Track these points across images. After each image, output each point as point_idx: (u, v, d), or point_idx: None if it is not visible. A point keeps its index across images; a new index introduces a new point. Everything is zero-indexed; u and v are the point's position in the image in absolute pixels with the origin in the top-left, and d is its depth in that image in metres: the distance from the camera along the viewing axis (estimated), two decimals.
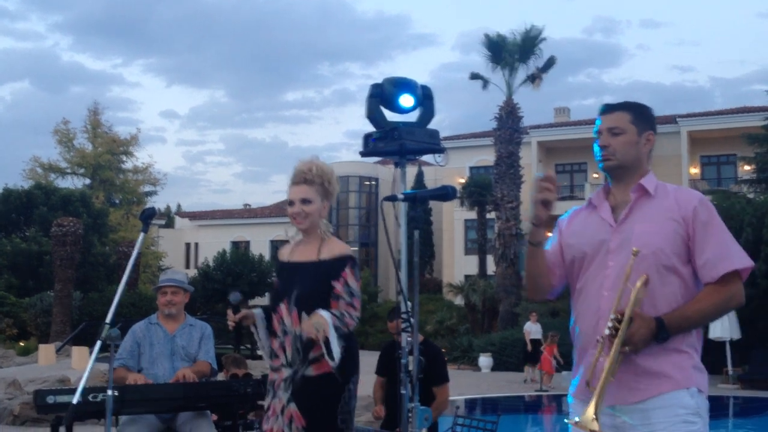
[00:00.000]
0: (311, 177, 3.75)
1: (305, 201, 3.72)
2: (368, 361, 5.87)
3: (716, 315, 2.69)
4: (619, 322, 2.53)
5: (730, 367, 17.64)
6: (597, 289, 2.70)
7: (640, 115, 2.80)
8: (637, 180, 2.76)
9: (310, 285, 3.65)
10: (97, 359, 3.88)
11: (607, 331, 2.55)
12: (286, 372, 3.65)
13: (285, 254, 3.89)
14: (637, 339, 2.53)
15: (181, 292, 5.17)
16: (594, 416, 2.47)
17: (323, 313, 3.48)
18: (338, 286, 3.60)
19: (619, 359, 2.54)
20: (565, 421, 2.70)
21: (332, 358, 3.45)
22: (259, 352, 3.98)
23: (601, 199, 2.84)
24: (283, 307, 3.70)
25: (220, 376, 6.41)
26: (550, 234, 2.92)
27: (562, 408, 15.91)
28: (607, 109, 2.83)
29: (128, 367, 4.94)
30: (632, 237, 2.65)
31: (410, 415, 3.10)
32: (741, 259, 2.63)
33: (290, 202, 3.78)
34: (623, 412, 2.61)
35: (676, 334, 2.59)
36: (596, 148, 2.82)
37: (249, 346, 23.18)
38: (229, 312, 3.81)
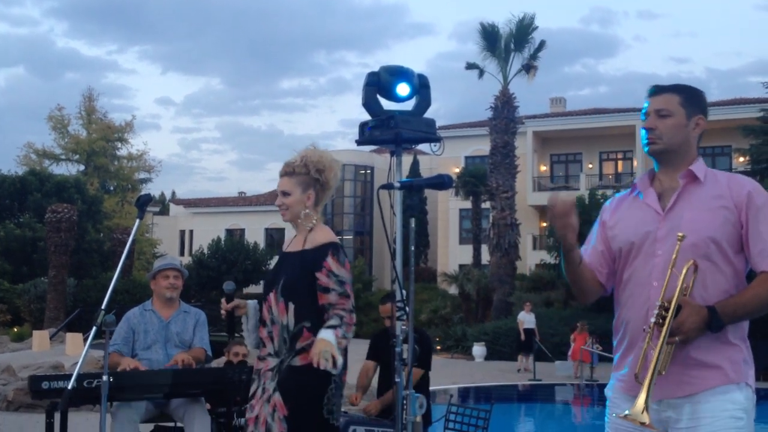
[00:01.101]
0: (291, 168, 3.74)
1: (285, 193, 3.74)
2: (362, 349, 5.88)
3: None
4: (666, 310, 2.44)
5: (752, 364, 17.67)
6: (645, 279, 2.59)
7: (690, 97, 2.68)
8: (684, 165, 2.65)
9: (292, 275, 3.66)
10: (92, 345, 3.89)
11: (653, 320, 2.45)
12: (272, 361, 3.65)
13: (284, 245, 3.93)
14: (687, 328, 2.42)
15: (181, 277, 5.20)
16: (644, 408, 2.38)
17: (326, 336, 3.43)
18: (323, 278, 3.57)
19: (668, 350, 2.44)
20: (614, 416, 2.60)
21: (335, 367, 3.44)
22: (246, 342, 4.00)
23: (646, 184, 2.72)
24: (272, 296, 3.71)
25: (223, 359, 6.45)
26: (577, 238, 2.76)
27: (555, 397, 16.00)
28: (656, 90, 2.71)
29: (122, 353, 4.95)
30: (681, 225, 2.54)
31: (405, 402, 3.12)
32: None
33: (277, 195, 3.84)
34: (669, 407, 2.52)
35: (731, 322, 2.50)
36: (642, 131, 2.70)
37: (242, 334, 23.21)
38: (223, 301, 3.83)
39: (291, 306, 3.61)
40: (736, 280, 2.56)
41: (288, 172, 3.75)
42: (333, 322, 3.50)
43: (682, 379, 2.50)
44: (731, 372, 2.52)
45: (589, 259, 2.78)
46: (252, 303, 3.83)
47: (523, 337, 18.88)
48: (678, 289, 2.45)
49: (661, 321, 2.43)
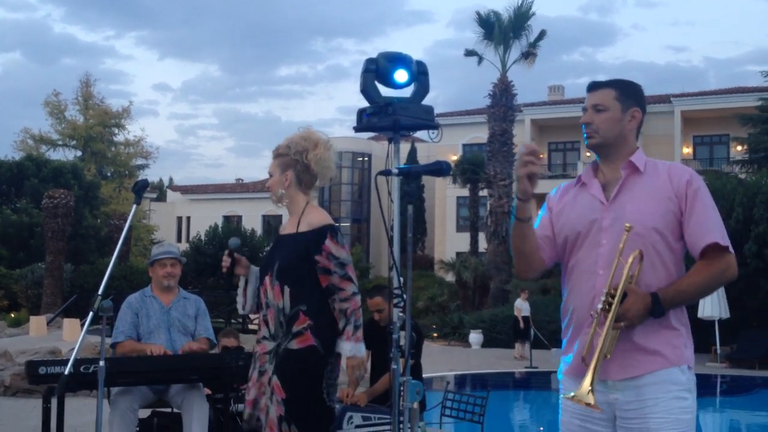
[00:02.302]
0: (278, 151, 3.82)
1: (270, 175, 3.85)
2: None
3: (710, 288, 2.70)
4: (613, 297, 2.55)
5: (718, 346, 17.79)
6: (591, 267, 2.69)
7: (625, 91, 2.78)
8: (625, 157, 2.75)
9: (287, 258, 3.67)
10: (89, 331, 3.90)
11: (599, 306, 2.57)
12: (268, 345, 3.66)
13: (282, 229, 3.95)
14: (632, 314, 2.54)
15: (178, 265, 5.20)
16: (590, 390, 2.49)
17: (350, 353, 3.55)
18: (323, 260, 3.59)
19: (614, 335, 2.56)
20: (561, 396, 2.71)
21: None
22: (241, 309, 4.00)
23: (590, 176, 2.82)
24: (267, 280, 3.72)
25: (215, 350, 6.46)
26: (537, 210, 2.89)
27: (551, 385, 16.06)
28: (593, 86, 2.83)
29: (132, 338, 4.98)
30: (625, 215, 2.64)
31: (402, 389, 3.12)
32: (723, 236, 2.62)
33: None
34: (615, 389, 2.62)
35: (671, 308, 2.61)
36: (582, 126, 2.81)
37: (240, 320, 23.25)
38: (225, 255, 3.86)
39: (287, 289, 3.62)
40: (677, 266, 2.68)
41: (274, 154, 3.84)
42: (341, 324, 3.57)
43: (626, 362, 2.61)
44: (672, 355, 2.62)
45: (537, 234, 2.85)
46: (255, 269, 3.86)
47: (522, 324, 18.90)
48: (624, 277, 2.56)
49: (607, 307, 2.55)
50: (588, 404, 2.50)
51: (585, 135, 2.80)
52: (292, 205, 3.80)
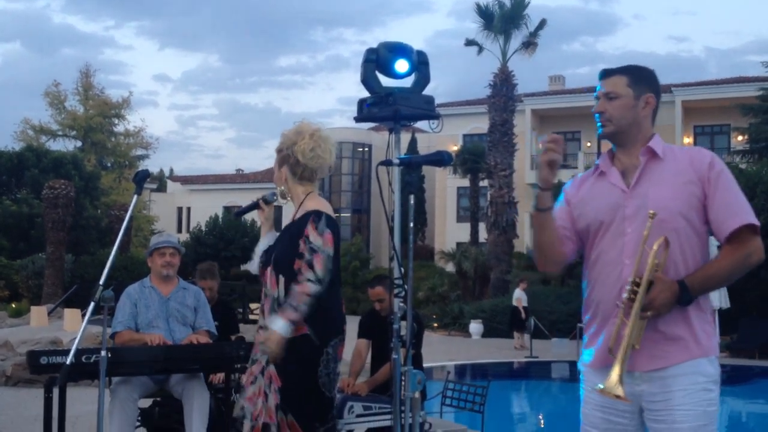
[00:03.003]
0: (277, 149, 3.86)
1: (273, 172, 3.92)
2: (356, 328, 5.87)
3: (738, 273, 2.61)
4: (638, 286, 2.49)
5: (718, 336, 17.80)
6: (617, 257, 2.63)
7: (637, 77, 2.73)
8: (642, 143, 2.70)
9: (282, 248, 3.69)
10: (90, 321, 3.90)
11: (625, 296, 2.51)
12: (264, 334, 3.69)
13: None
14: (659, 303, 2.49)
15: (177, 254, 5.20)
16: (618, 381, 2.44)
17: (277, 329, 3.51)
18: (302, 244, 3.61)
19: (641, 325, 2.50)
20: (582, 388, 2.65)
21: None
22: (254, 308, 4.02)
23: (608, 164, 2.77)
24: (268, 270, 3.75)
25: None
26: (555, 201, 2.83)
27: (551, 374, 16.09)
28: (605, 74, 2.77)
29: (130, 329, 4.97)
30: (648, 202, 2.59)
31: (403, 378, 3.13)
32: (752, 216, 2.58)
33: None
34: (642, 380, 2.57)
35: (700, 294, 2.56)
36: (595, 115, 2.76)
37: (241, 309, 23.28)
38: (261, 200, 3.93)
39: (281, 279, 3.64)
40: (703, 251, 2.64)
41: (276, 151, 3.88)
42: (283, 305, 3.56)
43: (654, 353, 2.56)
44: (701, 345, 2.58)
45: (558, 226, 2.80)
46: (274, 233, 3.88)
47: (524, 315, 18.89)
48: (650, 265, 2.51)
49: (633, 296, 2.50)
50: (617, 396, 2.45)
51: (599, 124, 2.75)
52: (293, 198, 3.84)
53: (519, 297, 19.23)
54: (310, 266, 3.54)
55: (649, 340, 2.54)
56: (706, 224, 2.62)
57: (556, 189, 2.77)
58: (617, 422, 2.64)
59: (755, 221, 2.57)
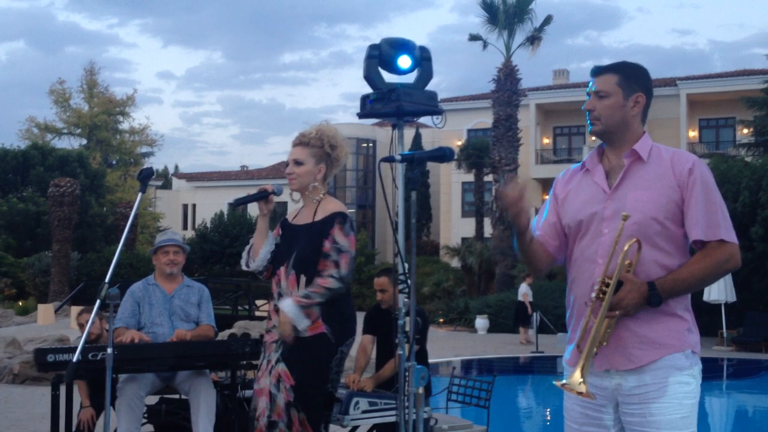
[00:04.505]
0: (307, 140, 3.81)
1: (297, 162, 3.81)
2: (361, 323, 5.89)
3: (711, 278, 2.65)
4: (607, 285, 2.52)
5: (724, 330, 17.78)
6: (592, 257, 2.67)
7: (628, 76, 2.72)
8: (630, 143, 2.70)
9: (304, 247, 3.69)
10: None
11: (593, 294, 2.54)
12: (278, 334, 3.69)
13: (290, 217, 3.95)
14: (627, 303, 2.51)
15: (181, 252, 5.20)
16: (581, 379, 2.47)
17: (285, 308, 3.54)
18: (327, 244, 3.64)
19: (608, 323, 2.53)
20: (553, 383, 2.70)
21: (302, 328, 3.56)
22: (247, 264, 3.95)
23: (595, 162, 2.78)
24: (282, 270, 3.74)
25: (227, 331, 6.45)
26: (532, 217, 2.85)
27: (557, 369, 16.09)
28: (596, 71, 2.77)
29: (127, 326, 4.97)
30: (626, 204, 2.61)
31: (407, 374, 3.14)
32: (727, 231, 2.58)
33: (287, 163, 3.88)
34: (618, 375, 2.61)
35: (670, 297, 2.57)
36: (587, 112, 2.76)
37: (247, 306, 23.30)
38: (269, 189, 3.83)
39: (303, 278, 3.66)
40: (679, 255, 2.64)
41: (303, 142, 3.82)
42: (298, 294, 3.58)
43: (629, 352, 2.58)
44: (675, 342, 2.59)
45: (541, 231, 2.85)
46: (290, 308, 3.67)
47: (530, 310, 18.85)
48: (619, 265, 2.53)
49: (601, 295, 2.53)
50: (579, 393, 2.48)
51: (588, 122, 2.76)
52: (313, 195, 3.81)
53: (525, 292, 19.20)
54: (336, 265, 3.61)
55: (622, 339, 2.57)
56: (683, 228, 2.62)
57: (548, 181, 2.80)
58: (594, 417, 2.67)
59: (727, 237, 2.57)
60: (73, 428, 5.31)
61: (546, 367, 16.04)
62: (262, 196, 3.82)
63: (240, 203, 3.92)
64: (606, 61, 2.84)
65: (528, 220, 2.73)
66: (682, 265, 2.61)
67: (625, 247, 2.54)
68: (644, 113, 2.76)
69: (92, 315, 3.75)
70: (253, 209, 42.07)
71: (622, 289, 2.52)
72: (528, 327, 18.79)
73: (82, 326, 5.46)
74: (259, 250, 3.84)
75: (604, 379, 2.61)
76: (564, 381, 2.54)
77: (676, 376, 2.57)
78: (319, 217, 3.75)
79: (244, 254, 3.93)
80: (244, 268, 3.95)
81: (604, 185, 2.70)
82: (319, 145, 3.80)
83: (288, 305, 3.54)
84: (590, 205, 2.70)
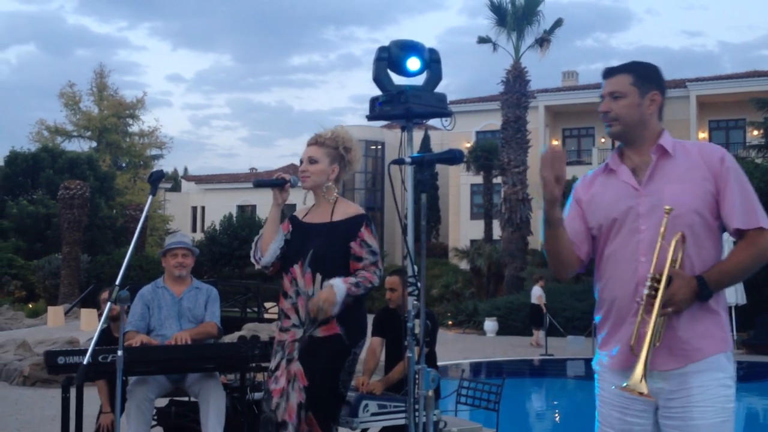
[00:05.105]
0: (323, 140, 3.87)
1: (312, 160, 3.84)
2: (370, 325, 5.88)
3: (754, 266, 2.60)
4: (659, 282, 2.48)
5: (734, 332, 17.70)
6: (631, 255, 2.62)
7: (642, 75, 2.70)
8: (651, 141, 2.69)
9: (324, 246, 3.69)
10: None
11: (645, 291, 2.50)
12: (298, 332, 3.70)
13: (300, 215, 3.96)
14: (679, 298, 2.47)
15: (189, 255, 5.21)
16: (642, 378, 2.42)
17: (336, 288, 3.54)
18: (356, 247, 3.67)
19: (662, 321, 2.49)
20: (613, 388, 2.63)
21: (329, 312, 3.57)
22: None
23: (617, 162, 2.75)
24: (296, 268, 3.74)
25: (236, 334, 6.43)
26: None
27: (566, 372, 16.05)
28: (609, 72, 2.75)
29: (137, 330, 4.98)
30: (664, 199, 2.58)
31: (417, 377, 3.13)
32: (765, 219, 2.57)
33: (300, 161, 3.91)
34: (661, 378, 2.56)
35: (718, 290, 2.55)
36: (602, 114, 2.74)
37: (256, 308, 23.34)
38: (282, 174, 3.84)
39: (318, 277, 3.67)
40: (717, 246, 2.63)
41: (319, 142, 3.86)
42: (350, 280, 3.60)
43: (674, 352, 2.55)
44: (719, 341, 2.57)
45: (570, 231, 2.78)
46: (341, 288, 3.63)
47: (545, 311, 18.77)
48: (668, 261, 2.51)
49: (653, 293, 2.49)
50: (641, 393, 2.43)
51: (605, 123, 2.73)
52: (328, 195, 3.84)
53: (540, 294, 19.04)
54: (376, 266, 3.68)
55: (666, 339, 2.53)
56: (718, 219, 2.61)
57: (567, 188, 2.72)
58: (634, 422, 2.62)
59: (766, 224, 2.56)
60: None
61: (555, 369, 16.00)
62: (280, 183, 3.82)
63: (259, 184, 3.96)
64: (616, 63, 2.82)
65: (561, 191, 2.67)
66: (723, 258, 2.59)
67: (672, 243, 2.51)
68: (660, 111, 2.74)
69: (102, 318, 3.76)
70: (262, 211, 42.15)
71: (673, 285, 2.48)
72: (542, 329, 18.67)
73: (104, 301, 5.52)
74: (268, 244, 3.84)
75: (647, 383, 2.54)
76: (625, 383, 2.47)
77: (718, 379, 2.53)
78: (338, 217, 3.76)
79: (253, 246, 3.94)
80: (252, 260, 3.96)
81: (633, 183, 2.67)
82: (333, 146, 3.85)
83: (339, 286, 3.54)
84: (623, 203, 2.66)
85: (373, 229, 3.75)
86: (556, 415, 11.84)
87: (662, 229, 2.54)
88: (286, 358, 3.71)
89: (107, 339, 5.15)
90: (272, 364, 3.79)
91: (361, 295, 3.62)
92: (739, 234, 2.58)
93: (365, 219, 3.75)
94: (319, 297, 3.57)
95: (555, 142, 36.89)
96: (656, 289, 2.48)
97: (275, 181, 3.83)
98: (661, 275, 2.49)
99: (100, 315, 4.57)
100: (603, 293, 2.72)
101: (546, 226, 2.75)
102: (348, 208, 3.81)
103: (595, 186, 2.80)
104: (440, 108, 4.03)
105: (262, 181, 3.93)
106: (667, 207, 2.53)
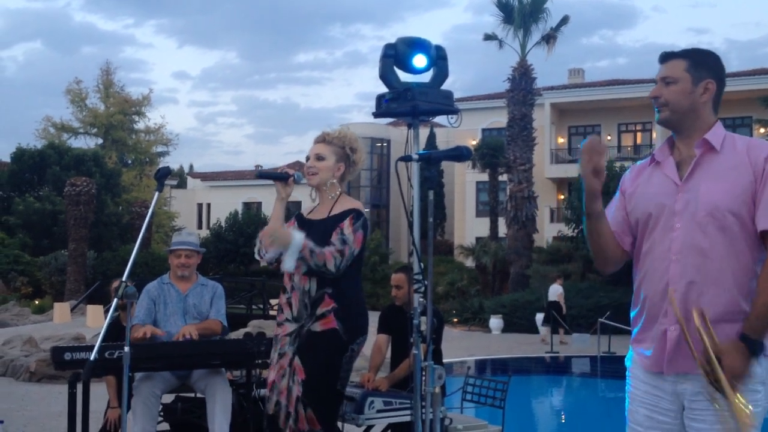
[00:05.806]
0: (330, 138, 3.90)
1: (319, 157, 3.86)
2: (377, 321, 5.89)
3: None
4: (709, 364, 2.36)
5: None
6: (664, 252, 2.55)
7: (697, 62, 2.62)
8: (701, 132, 2.59)
9: (319, 242, 3.70)
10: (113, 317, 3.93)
11: (704, 378, 2.39)
12: (290, 327, 3.72)
13: (305, 212, 3.98)
14: (740, 371, 2.36)
15: (194, 255, 5.21)
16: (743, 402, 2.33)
17: (296, 238, 3.55)
18: (334, 235, 3.67)
19: (738, 396, 2.35)
20: (629, 385, 2.62)
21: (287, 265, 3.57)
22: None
23: (665, 154, 2.67)
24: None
25: (241, 330, 6.45)
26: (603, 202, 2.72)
27: (572, 370, 16.03)
28: (664, 57, 2.67)
29: (143, 325, 4.99)
30: (698, 197, 2.50)
31: (423, 374, 3.14)
32: None
33: (307, 158, 3.93)
34: (686, 379, 2.51)
35: (765, 334, 2.42)
36: (653, 100, 2.66)
37: (261, 305, 23.37)
38: (290, 172, 3.82)
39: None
40: (755, 248, 2.50)
41: (327, 139, 3.89)
42: (311, 245, 3.58)
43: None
44: None
45: (613, 227, 2.72)
46: (299, 239, 3.62)
47: (564, 310, 18.61)
48: (706, 344, 2.37)
49: (712, 379, 2.36)
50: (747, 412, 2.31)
51: (655, 109, 2.64)
52: (330, 191, 3.86)
53: (561, 292, 18.83)
54: (341, 254, 3.61)
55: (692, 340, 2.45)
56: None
57: (616, 178, 2.68)
58: (661, 420, 2.58)
59: None
60: (100, 427, 5.36)
61: (561, 367, 15.99)
62: (283, 177, 3.80)
63: (262, 175, 3.95)
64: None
65: (601, 183, 2.60)
66: (755, 297, 2.46)
67: (696, 320, 2.40)
68: (715, 101, 2.65)
69: (108, 314, 3.77)
70: (267, 208, 42.16)
71: (725, 364, 2.35)
72: (561, 328, 18.49)
73: (115, 290, 5.55)
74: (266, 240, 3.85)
75: (671, 383, 2.52)
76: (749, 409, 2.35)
77: (747, 384, 2.41)
78: (335, 212, 3.79)
79: (258, 242, 3.93)
80: (257, 257, 3.96)
81: (675, 177, 2.59)
82: (340, 145, 3.88)
83: (299, 239, 3.54)
84: (660, 198, 2.59)
85: (357, 223, 3.70)
86: (562, 412, 11.84)
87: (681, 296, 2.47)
88: (278, 351, 3.74)
89: (116, 328, 5.17)
90: (271, 358, 3.83)
91: (312, 265, 3.56)
92: (764, 237, 2.47)
93: (354, 213, 3.74)
94: (269, 236, 3.59)
95: (561, 140, 36.84)
96: (712, 372, 2.35)
97: (278, 174, 3.83)
98: (709, 362, 2.36)
99: (107, 310, 4.58)
100: (638, 289, 2.67)
101: (587, 220, 2.68)
102: (345, 204, 3.82)
103: (641, 178, 2.72)
104: (447, 105, 4.03)
105: (265, 172, 3.94)
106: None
